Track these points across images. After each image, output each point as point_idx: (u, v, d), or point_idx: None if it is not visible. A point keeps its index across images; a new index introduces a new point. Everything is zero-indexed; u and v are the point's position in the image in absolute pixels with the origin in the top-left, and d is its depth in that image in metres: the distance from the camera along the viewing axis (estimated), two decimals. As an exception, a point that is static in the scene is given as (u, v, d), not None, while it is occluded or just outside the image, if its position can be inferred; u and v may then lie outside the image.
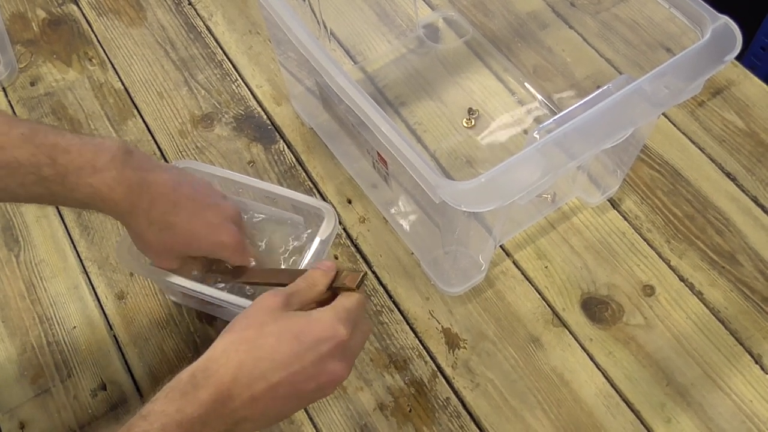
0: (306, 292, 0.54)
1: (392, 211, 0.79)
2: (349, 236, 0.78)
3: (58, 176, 0.53)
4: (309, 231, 0.75)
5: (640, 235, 0.78)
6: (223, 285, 0.67)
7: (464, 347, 0.72)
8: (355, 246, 0.78)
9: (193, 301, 0.73)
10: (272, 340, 0.49)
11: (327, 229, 0.67)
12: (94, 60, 0.94)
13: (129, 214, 0.57)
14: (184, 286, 0.65)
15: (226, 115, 0.88)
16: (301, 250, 0.76)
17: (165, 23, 0.97)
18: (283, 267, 0.70)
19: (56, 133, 0.54)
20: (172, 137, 0.86)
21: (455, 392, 0.69)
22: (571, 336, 0.72)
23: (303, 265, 0.66)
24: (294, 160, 0.84)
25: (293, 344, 0.49)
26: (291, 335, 0.50)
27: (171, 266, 0.63)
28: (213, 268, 0.66)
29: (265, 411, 0.50)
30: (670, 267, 0.76)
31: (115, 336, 0.73)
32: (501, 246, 0.78)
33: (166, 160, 0.84)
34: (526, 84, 0.89)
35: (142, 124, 0.88)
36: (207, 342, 0.72)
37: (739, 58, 0.64)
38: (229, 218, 0.62)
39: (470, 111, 0.87)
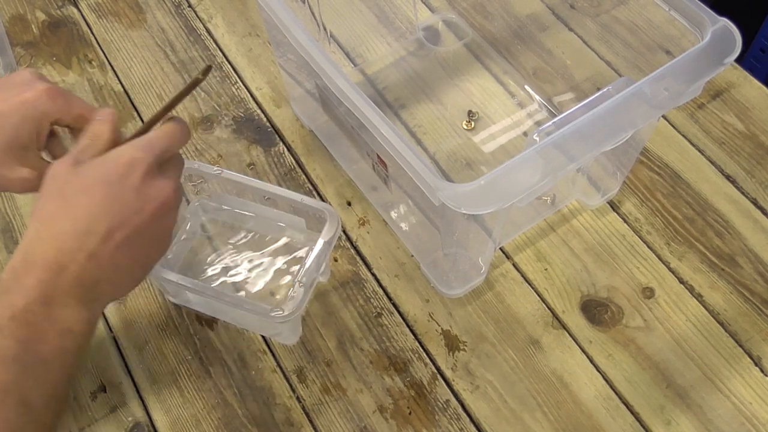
0: (92, 147, 0.51)
1: (392, 213, 0.80)
2: (348, 238, 0.78)
3: None
4: (310, 233, 0.75)
5: (640, 237, 0.78)
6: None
7: (464, 349, 0.72)
8: (355, 248, 0.78)
9: (193, 302, 0.73)
10: (79, 197, 0.48)
11: (330, 230, 0.67)
12: (93, 62, 0.94)
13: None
14: (185, 285, 0.65)
15: (225, 118, 0.88)
16: (302, 253, 0.76)
17: (165, 25, 0.97)
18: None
19: None
20: (172, 139, 0.86)
21: (455, 394, 0.69)
22: (570, 338, 0.72)
23: (306, 267, 0.66)
24: (294, 162, 0.84)
25: (101, 188, 0.48)
26: (95, 182, 0.48)
27: (27, 174, 0.54)
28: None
29: (115, 264, 0.49)
30: (670, 269, 0.76)
31: (114, 338, 0.73)
32: (501, 248, 0.78)
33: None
34: (525, 86, 0.90)
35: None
36: (207, 344, 0.72)
37: (738, 60, 0.64)
38: (24, 79, 0.55)
39: (470, 113, 0.87)
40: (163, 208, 0.51)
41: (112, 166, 0.49)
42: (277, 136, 0.87)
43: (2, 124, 0.53)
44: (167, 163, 0.53)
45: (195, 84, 0.55)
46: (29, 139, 0.54)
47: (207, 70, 0.54)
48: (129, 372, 0.71)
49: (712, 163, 0.83)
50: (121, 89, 0.91)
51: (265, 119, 0.88)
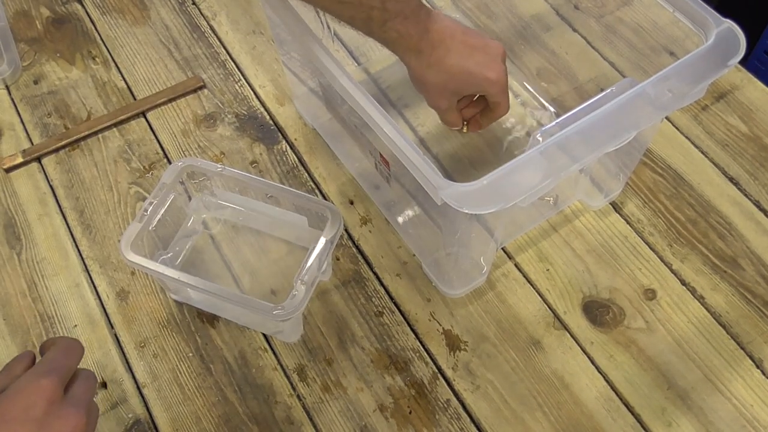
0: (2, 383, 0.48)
1: (394, 212, 0.79)
2: (350, 237, 0.78)
3: (380, 20, 0.62)
4: (312, 231, 0.76)
5: (642, 238, 0.78)
6: None
7: (465, 349, 0.72)
8: (357, 247, 0.78)
9: (195, 299, 0.74)
10: None
11: (332, 229, 0.67)
12: (97, 59, 0.94)
13: (417, 56, 0.65)
14: (186, 282, 0.65)
15: (228, 115, 0.88)
16: (304, 251, 0.76)
17: (169, 22, 0.97)
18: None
19: None
20: (175, 136, 0.86)
21: (456, 394, 0.69)
22: (572, 339, 0.72)
23: (308, 265, 0.65)
24: (296, 160, 0.84)
25: (8, 427, 0.44)
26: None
27: (443, 105, 0.70)
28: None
29: None
30: (672, 271, 0.76)
31: (116, 335, 0.73)
32: (502, 248, 0.77)
33: (168, 160, 0.84)
34: (529, 86, 0.89)
35: (145, 123, 0.88)
36: (208, 342, 0.72)
37: (742, 62, 0.64)
38: (497, 57, 0.67)
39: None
40: None
41: (12, 400, 0.46)
42: (280, 134, 0.87)
43: (466, 79, 0.67)
44: (74, 385, 0.49)
45: None
46: (466, 95, 0.71)
47: None
48: (130, 369, 0.71)
49: (716, 165, 0.83)
50: (125, 86, 0.91)
51: (268, 117, 0.88)
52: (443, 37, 0.65)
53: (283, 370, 0.70)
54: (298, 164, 0.84)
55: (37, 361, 0.50)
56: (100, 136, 0.87)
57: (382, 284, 0.75)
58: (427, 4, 0.67)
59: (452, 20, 0.67)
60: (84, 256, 0.78)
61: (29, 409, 0.45)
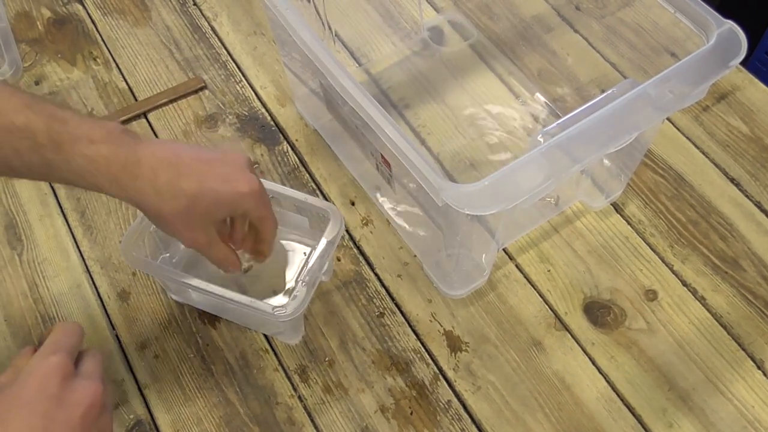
0: (10, 377, 0.49)
1: (395, 213, 0.79)
2: (351, 238, 0.78)
3: (53, 144, 0.52)
4: (313, 232, 0.76)
5: (643, 239, 0.78)
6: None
7: (466, 350, 0.72)
8: (358, 248, 0.78)
9: (196, 300, 0.74)
10: (17, 424, 0.45)
11: (333, 230, 0.67)
12: (98, 59, 0.94)
13: (132, 187, 0.54)
14: (188, 283, 0.65)
15: (229, 116, 0.88)
16: (305, 252, 0.76)
17: (170, 23, 0.97)
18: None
19: (55, 106, 0.54)
20: (176, 137, 0.86)
21: (457, 395, 0.69)
22: (573, 340, 0.72)
23: (309, 266, 0.66)
24: (297, 161, 0.84)
25: (18, 413, 0.45)
26: (11, 409, 0.45)
27: (201, 239, 0.59)
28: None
29: None
30: (673, 272, 0.76)
31: (117, 336, 0.73)
32: (504, 249, 0.77)
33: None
34: (530, 87, 0.89)
35: (146, 124, 0.88)
36: (209, 343, 0.72)
37: (744, 63, 0.64)
38: (241, 166, 0.58)
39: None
40: (91, 412, 0.47)
41: (27, 384, 0.46)
42: (281, 134, 0.87)
43: (213, 199, 0.56)
44: (82, 362, 0.50)
45: None
46: (219, 219, 0.60)
47: None
48: (131, 369, 0.71)
49: (717, 165, 0.83)
50: (126, 87, 0.91)
51: (269, 118, 0.88)
52: (165, 159, 0.55)
53: (285, 371, 0.71)
54: (299, 165, 0.84)
55: None
56: (101, 136, 0.87)
57: (383, 285, 0.75)
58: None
59: (171, 141, 0.59)
60: (85, 257, 0.78)
61: (44, 389, 0.46)
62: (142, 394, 0.69)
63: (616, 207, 0.80)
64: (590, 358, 0.71)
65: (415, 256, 0.77)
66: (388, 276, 0.76)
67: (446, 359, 0.71)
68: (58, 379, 0.47)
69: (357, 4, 0.98)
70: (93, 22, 0.98)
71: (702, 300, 0.74)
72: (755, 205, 0.80)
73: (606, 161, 0.78)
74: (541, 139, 0.56)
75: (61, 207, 0.81)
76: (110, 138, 0.53)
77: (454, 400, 0.69)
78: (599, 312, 0.73)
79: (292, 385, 0.70)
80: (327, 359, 0.71)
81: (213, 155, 0.58)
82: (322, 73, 0.63)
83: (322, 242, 0.67)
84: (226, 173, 0.57)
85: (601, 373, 0.70)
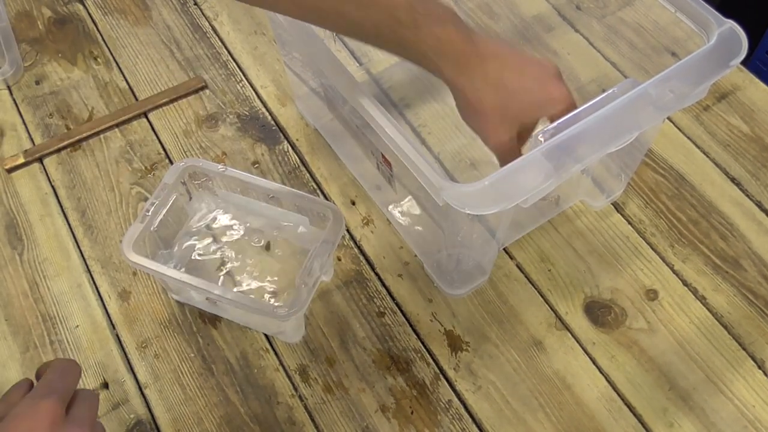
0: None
1: (396, 212, 0.79)
2: (352, 237, 0.78)
3: (412, 22, 0.52)
4: (314, 231, 0.76)
5: (644, 239, 0.78)
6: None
7: (467, 349, 0.72)
8: (358, 247, 0.78)
9: (196, 299, 0.74)
10: None
11: (334, 229, 0.67)
12: (99, 59, 0.94)
13: (466, 72, 0.54)
14: (188, 283, 0.65)
15: (230, 116, 0.88)
16: (305, 252, 0.76)
17: (170, 23, 0.97)
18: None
19: None
20: (177, 137, 0.86)
21: (457, 395, 0.69)
22: (573, 339, 0.72)
23: (309, 266, 0.66)
24: (298, 160, 0.84)
25: None
26: None
27: (505, 137, 0.57)
28: None
29: None
30: (674, 271, 0.76)
31: (117, 335, 0.73)
32: (504, 248, 0.77)
33: (170, 160, 0.84)
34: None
35: (147, 124, 0.88)
36: (210, 342, 0.72)
37: (744, 62, 0.64)
38: (556, 74, 0.58)
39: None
40: None
41: (13, 427, 0.44)
42: (281, 134, 0.87)
43: (527, 99, 0.56)
44: (75, 405, 0.48)
45: None
46: (526, 122, 0.57)
47: None
48: (131, 369, 0.71)
49: (717, 165, 0.83)
50: (126, 86, 0.91)
51: (269, 117, 0.88)
52: (494, 49, 0.55)
53: (285, 370, 0.71)
54: (300, 165, 0.84)
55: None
56: (101, 136, 0.87)
57: (383, 285, 0.75)
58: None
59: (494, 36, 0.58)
60: (86, 257, 0.78)
61: None
62: (142, 394, 0.69)
63: (617, 207, 0.80)
64: (591, 358, 0.71)
65: (416, 255, 0.77)
66: (389, 275, 0.76)
67: (447, 359, 0.71)
68: (46, 424, 0.45)
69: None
70: (94, 21, 0.98)
71: (702, 300, 0.74)
72: (756, 204, 0.80)
73: (606, 161, 0.77)
74: (542, 139, 0.56)
75: (61, 207, 0.81)
76: (455, 19, 0.54)
77: (455, 399, 0.69)
78: (600, 311, 0.73)
79: (293, 384, 0.70)
80: (327, 359, 0.71)
81: (531, 58, 0.58)
82: (322, 73, 0.63)
83: (323, 242, 0.67)
84: (541, 76, 0.57)
85: (601, 372, 0.70)
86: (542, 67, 0.57)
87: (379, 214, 0.80)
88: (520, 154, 0.57)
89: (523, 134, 0.59)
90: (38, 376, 0.50)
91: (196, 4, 1.00)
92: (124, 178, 0.83)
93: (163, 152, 0.85)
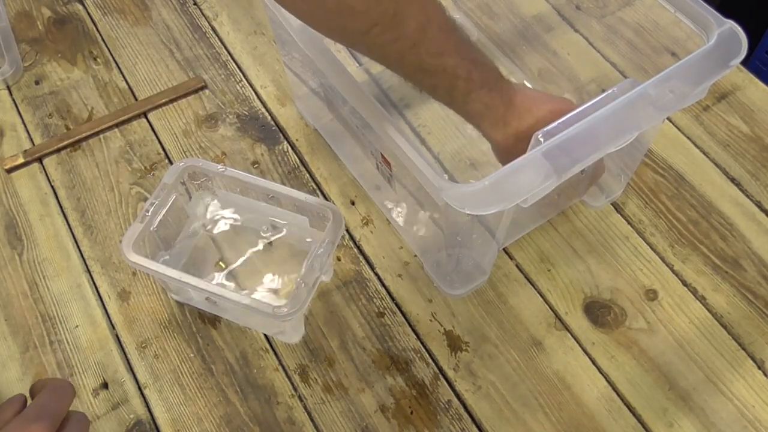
0: None
1: (395, 212, 0.79)
2: (352, 237, 0.78)
3: (465, 90, 0.58)
4: (314, 232, 0.76)
5: (644, 239, 0.78)
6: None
7: (466, 350, 0.71)
8: (358, 247, 0.78)
9: (196, 299, 0.74)
10: None
11: (333, 229, 0.67)
12: (98, 59, 0.94)
13: (503, 129, 0.61)
14: (188, 283, 0.65)
15: (230, 116, 0.88)
16: (305, 252, 0.76)
17: (170, 23, 0.97)
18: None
19: (473, 47, 0.59)
20: (176, 137, 0.86)
21: (457, 395, 0.69)
22: (573, 339, 0.72)
23: (309, 266, 0.65)
24: (298, 160, 0.84)
25: None
26: None
27: None
28: None
29: None
30: (674, 271, 0.76)
31: (117, 335, 0.73)
32: (504, 249, 0.77)
33: (170, 160, 0.84)
34: (530, 87, 0.89)
35: (146, 124, 0.88)
36: (209, 342, 0.72)
37: (744, 63, 0.64)
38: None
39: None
40: None
41: None
42: (281, 134, 0.87)
43: None
44: (66, 428, 0.47)
45: None
46: None
47: None
48: (131, 369, 0.71)
49: (717, 165, 0.83)
50: (126, 86, 0.91)
51: (269, 117, 0.88)
52: (529, 106, 0.62)
53: (285, 370, 0.71)
54: (300, 165, 0.84)
55: (28, 404, 0.49)
56: (101, 136, 0.87)
57: (383, 285, 0.75)
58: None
59: (532, 89, 0.64)
60: (85, 257, 0.78)
61: None
62: (142, 394, 0.69)
63: (617, 207, 0.80)
64: (590, 358, 0.71)
65: (416, 255, 0.77)
66: (389, 276, 0.76)
67: (446, 359, 0.71)
68: None
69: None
70: (93, 21, 0.98)
71: (702, 300, 0.74)
72: (755, 204, 0.80)
73: (606, 161, 0.77)
74: (542, 139, 0.56)
75: (61, 207, 0.81)
76: (499, 85, 0.60)
77: (455, 399, 0.69)
78: (599, 312, 0.73)
79: (293, 384, 0.70)
80: (327, 359, 0.71)
81: (558, 101, 0.63)
82: (322, 73, 0.63)
83: (322, 242, 0.67)
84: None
85: (601, 372, 0.70)
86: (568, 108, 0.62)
87: (379, 214, 0.80)
88: None
89: None
90: (32, 394, 0.49)
91: (195, 4, 1.00)
92: (124, 178, 0.83)
93: (162, 152, 0.85)
